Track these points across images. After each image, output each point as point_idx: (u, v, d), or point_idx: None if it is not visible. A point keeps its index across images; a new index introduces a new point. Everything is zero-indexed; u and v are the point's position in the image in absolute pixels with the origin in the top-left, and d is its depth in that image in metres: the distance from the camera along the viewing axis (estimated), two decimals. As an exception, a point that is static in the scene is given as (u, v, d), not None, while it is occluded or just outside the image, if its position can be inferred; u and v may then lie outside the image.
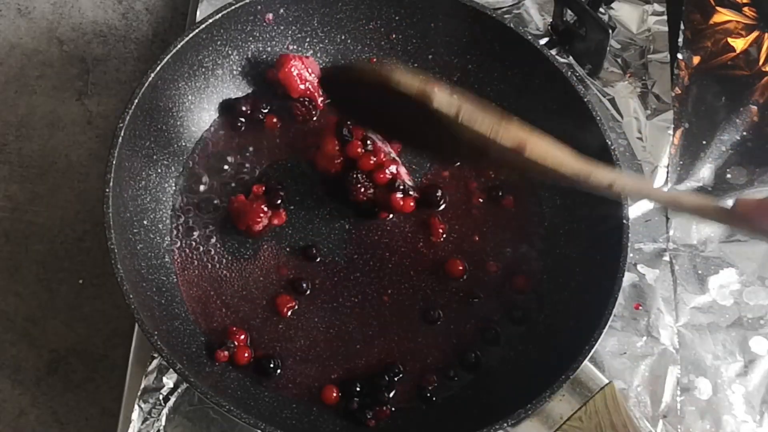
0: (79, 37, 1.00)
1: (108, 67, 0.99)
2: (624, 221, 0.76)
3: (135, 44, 1.01)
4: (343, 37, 0.88)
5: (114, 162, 0.73)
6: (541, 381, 0.70)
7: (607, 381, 0.72)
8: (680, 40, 0.95)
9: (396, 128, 0.76)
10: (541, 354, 0.76)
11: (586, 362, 0.71)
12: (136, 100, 0.76)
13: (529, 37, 0.83)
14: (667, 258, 0.85)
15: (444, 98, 0.66)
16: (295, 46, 0.87)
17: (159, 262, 0.78)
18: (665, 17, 0.96)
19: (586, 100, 0.80)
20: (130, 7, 1.03)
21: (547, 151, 0.65)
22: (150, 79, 0.77)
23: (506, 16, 0.95)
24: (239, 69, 0.85)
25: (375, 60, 0.88)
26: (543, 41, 0.93)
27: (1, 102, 0.96)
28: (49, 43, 1.00)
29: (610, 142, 0.78)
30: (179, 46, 0.79)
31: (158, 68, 0.77)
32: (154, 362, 0.77)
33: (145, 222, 0.78)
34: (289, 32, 0.86)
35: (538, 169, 0.66)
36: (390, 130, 0.78)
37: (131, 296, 0.70)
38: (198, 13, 0.92)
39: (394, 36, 0.87)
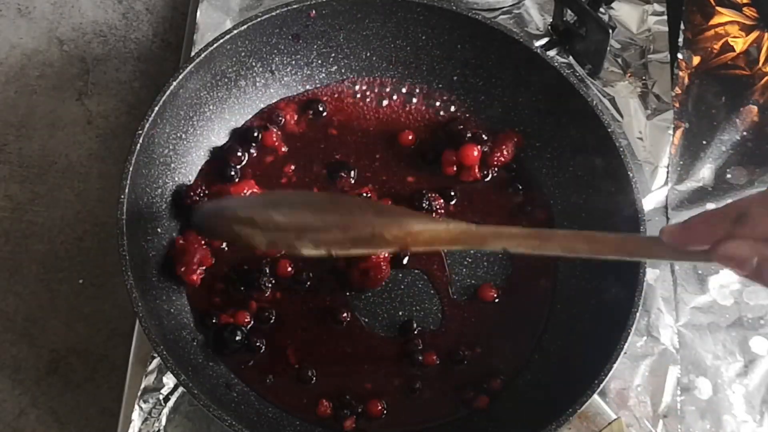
0: (79, 37, 1.00)
1: (108, 67, 0.99)
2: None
3: (135, 44, 1.01)
4: (368, 54, 0.86)
5: (131, 169, 0.72)
6: (548, 414, 0.69)
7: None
8: (680, 40, 0.95)
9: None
10: (550, 386, 0.75)
11: (594, 396, 0.70)
12: (157, 108, 0.74)
13: (556, 65, 0.81)
14: (667, 258, 0.85)
15: (310, 249, 0.67)
16: (319, 61, 0.86)
17: (171, 271, 0.76)
18: (665, 17, 0.96)
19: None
20: (130, 7, 1.03)
21: (431, 238, 0.66)
22: (172, 87, 0.75)
23: (506, 16, 0.95)
24: (263, 81, 0.84)
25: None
26: (543, 41, 0.93)
27: (1, 102, 0.96)
28: (49, 43, 1.00)
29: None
30: (203, 55, 0.77)
31: (181, 76, 0.76)
32: (154, 362, 0.76)
33: (159, 230, 0.77)
34: (315, 47, 0.85)
35: (430, 250, 0.69)
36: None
37: (140, 304, 0.68)
38: (198, 13, 0.92)
39: (420, 55, 0.86)
